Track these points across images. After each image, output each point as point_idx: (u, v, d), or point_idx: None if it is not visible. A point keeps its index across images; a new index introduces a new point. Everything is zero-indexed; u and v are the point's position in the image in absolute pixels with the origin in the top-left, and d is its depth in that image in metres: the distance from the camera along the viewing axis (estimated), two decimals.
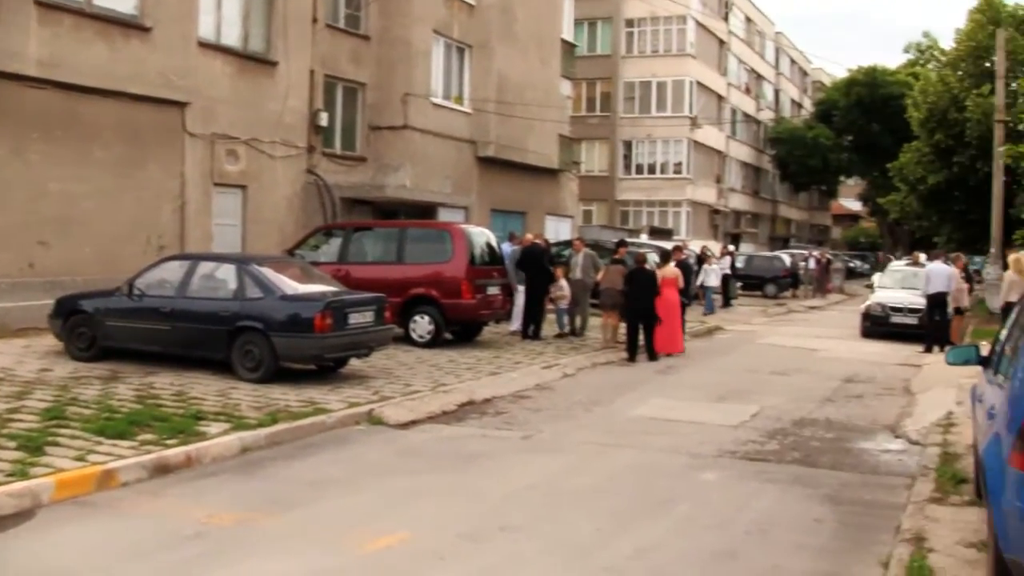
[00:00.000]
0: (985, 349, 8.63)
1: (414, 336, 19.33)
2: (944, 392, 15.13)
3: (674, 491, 9.32)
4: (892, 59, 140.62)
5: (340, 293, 14.87)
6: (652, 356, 19.47)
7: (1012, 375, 5.91)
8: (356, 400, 12.88)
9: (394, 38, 28.67)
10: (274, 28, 24.03)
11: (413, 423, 12.24)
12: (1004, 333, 7.90)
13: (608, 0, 59.56)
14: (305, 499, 8.65)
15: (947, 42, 52.72)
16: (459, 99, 31.68)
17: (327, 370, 15.03)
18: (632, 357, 19.29)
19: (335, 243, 20.97)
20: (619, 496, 9.05)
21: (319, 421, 11.58)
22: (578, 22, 46.86)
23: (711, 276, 31.89)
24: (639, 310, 19.41)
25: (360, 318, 14.51)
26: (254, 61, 23.57)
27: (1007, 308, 21.93)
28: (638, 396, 15.03)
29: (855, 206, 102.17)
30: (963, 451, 10.50)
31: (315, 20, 25.76)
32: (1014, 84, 35.29)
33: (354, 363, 15.54)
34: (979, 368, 8.58)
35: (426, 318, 19.35)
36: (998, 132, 31.16)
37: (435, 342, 19.26)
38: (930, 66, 57.03)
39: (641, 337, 19.38)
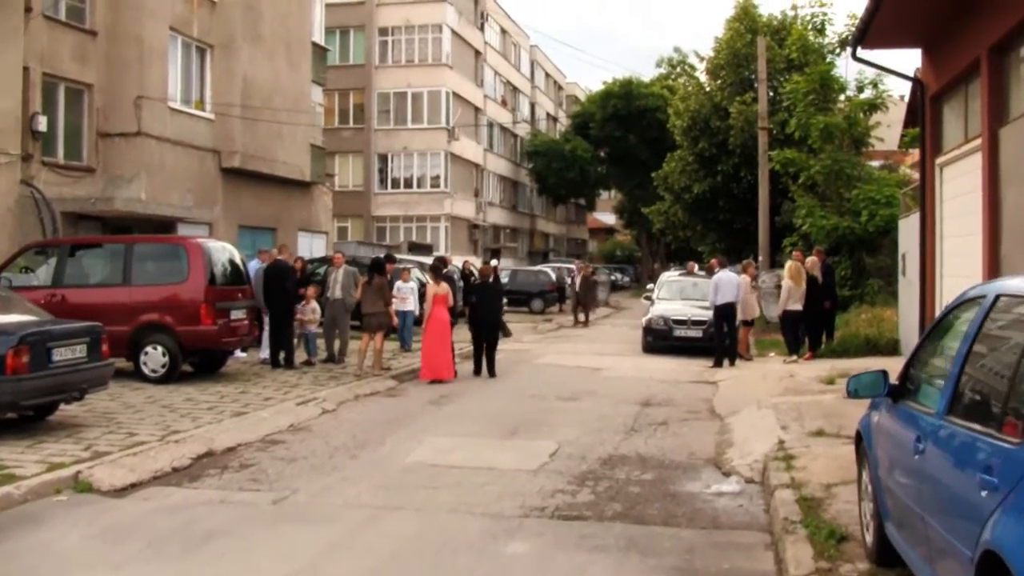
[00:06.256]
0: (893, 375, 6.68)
1: (146, 371, 16.60)
2: (757, 414, 13.57)
3: (478, 574, 7.15)
4: (646, 73, 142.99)
5: (41, 323, 12.04)
6: (491, 371, 19.36)
7: None
8: (60, 460, 10.16)
9: (125, 34, 25.60)
10: None
11: (134, 487, 9.69)
12: (933, 357, 6.10)
13: (360, 7, 57.36)
14: None
15: (705, 50, 53.24)
16: (200, 104, 28.81)
17: (29, 419, 12.20)
18: (478, 371, 19.39)
19: (50, 263, 17.82)
20: None
21: (4, 494, 8.84)
22: (329, 30, 44.56)
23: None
24: (487, 323, 19.49)
25: (68, 353, 11.78)
26: None
27: (786, 317, 21.08)
28: (412, 435, 12.81)
29: (609, 219, 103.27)
30: (821, 493, 8.67)
31: (29, 9, 22.41)
32: (771, 93, 35.04)
33: (69, 408, 12.76)
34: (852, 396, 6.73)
35: (159, 349, 16.64)
36: (762, 139, 30.65)
37: (171, 376, 16.59)
38: (682, 80, 57.39)
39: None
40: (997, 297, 5.20)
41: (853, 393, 6.57)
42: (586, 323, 35.85)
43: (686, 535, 8.17)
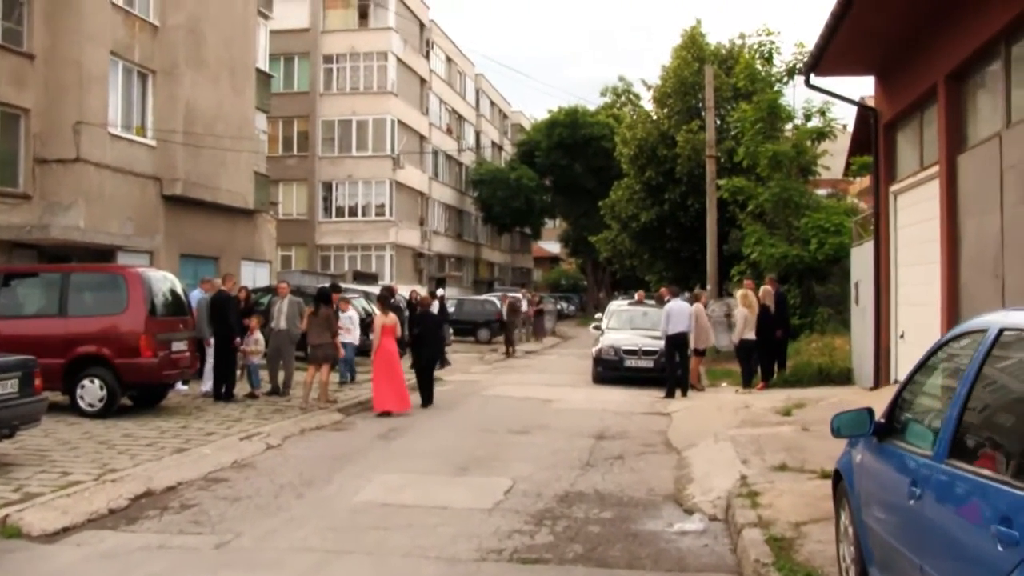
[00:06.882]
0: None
1: (82, 405, 15.94)
2: (715, 447, 13.22)
3: None
4: (591, 102, 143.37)
5: None
6: (430, 400, 19.36)
7: None
8: None
9: (63, 58, 24.95)
10: None
11: (67, 531, 9.10)
12: (925, 395, 5.71)
13: (305, 34, 56.93)
14: None
15: (652, 78, 53.29)
16: (141, 130, 28.18)
17: None
18: (426, 402, 19.19)
19: None
20: None
21: None
22: (274, 57, 44.06)
23: None
24: (426, 352, 19.66)
25: None
26: None
27: (741, 346, 20.87)
28: (360, 471, 12.31)
29: (554, 248, 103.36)
30: (791, 532, 8.29)
31: None
32: (719, 121, 35.03)
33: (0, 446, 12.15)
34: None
35: (96, 382, 15.98)
36: (710, 167, 30.61)
37: (109, 411, 15.94)
38: (627, 109, 57.53)
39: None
40: (1001, 331, 4.73)
41: (836, 432, 6.15)
42: (512, 352, 35.49)
43: None
